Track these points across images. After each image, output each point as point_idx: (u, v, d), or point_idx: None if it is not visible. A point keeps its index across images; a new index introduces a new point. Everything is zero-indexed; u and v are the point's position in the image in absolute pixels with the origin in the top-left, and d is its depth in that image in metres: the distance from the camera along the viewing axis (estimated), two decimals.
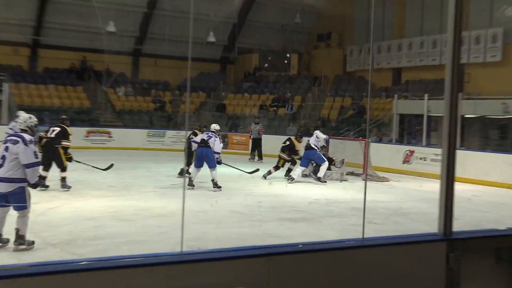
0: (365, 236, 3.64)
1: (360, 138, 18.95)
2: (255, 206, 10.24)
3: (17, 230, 6.69)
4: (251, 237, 7.65)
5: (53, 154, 11.14)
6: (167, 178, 13.86)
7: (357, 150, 15.98)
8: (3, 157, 6.64)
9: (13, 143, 6.70)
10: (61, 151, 11.22)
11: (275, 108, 26.51)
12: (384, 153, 17.98)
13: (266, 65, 31.00)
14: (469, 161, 15.26)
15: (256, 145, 20.09)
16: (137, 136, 23.10)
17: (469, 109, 18.11)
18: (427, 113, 19.13)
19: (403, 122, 21.36)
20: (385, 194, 12.58)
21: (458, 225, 8.48)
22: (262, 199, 11.08)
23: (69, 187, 11.12)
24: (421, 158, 16.92)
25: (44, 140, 11.28)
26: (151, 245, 6.97)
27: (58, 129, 11.36)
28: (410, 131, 21.35)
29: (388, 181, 15.07)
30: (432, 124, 20.29)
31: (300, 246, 3.24)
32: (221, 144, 12.63)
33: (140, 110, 26.36)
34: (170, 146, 22.77)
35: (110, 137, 22.72)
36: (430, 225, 8.74)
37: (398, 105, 20.65)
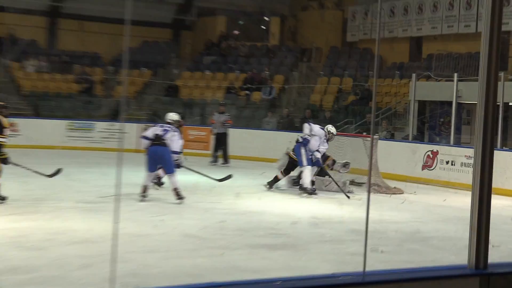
0: (368, 270, 3.63)
1: (364, 133, 19.07)
2: (217, 227, 10.20)
3: None
4: (211, 270, 7.60)
5: None
6: (95, 188, 13.69)
7: (360, 150, 16.00)
8: None
9: None
10: None
11: (247, 92, 26.56)
12: (397, 154, 18.10)
13: (236, 32, 31.03)
14: None
15: (220, 142, 20.06)
16: (53, 129, 22.94)
17: None
18: (456, 100, 19.31)
19: (424, 112, 21.56)
20: (397, 212, 12.64)
21: (497, 255, 8.48)
22: (226, 217, 11.05)
23: (4, 199, 11.25)
24: (447, 162, 17.08)
25: None
26: (70, 284, 6.89)
27: None
28: (433, 124, 21.55)
29: (402, 193, 15.15)
30: (464, 114, 20.50)
31: (279, 283, 3.23)
32: (182, 141, 12.78)
33: (58, 93, 26.19)
34: (101, 143, 22.61)
35: (14, 131, 22.47)
36: (458, 255, 8.82)
37: (417, 88, 20.81)
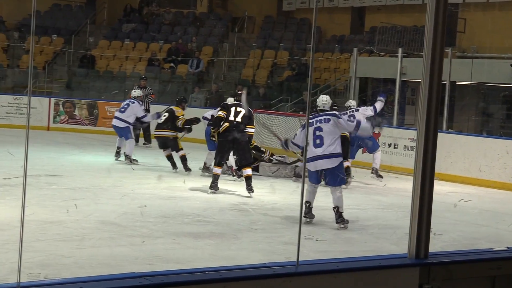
0: (301, 259, 3.71)
1: (301, 112, 19.24)
2: (137, 214, 10.21)
3: None
4: (130, 260, 7.63)
5: None
6: (1, 170, 13.53)
7: (295, 130, 16.17)
8: None
9: None
10: None
11: (172, 64, 26.45)
12: None
13: None
14: (458, 150, 15.83)
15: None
16: None
17: (462, 73, 18.74)
18: (400, 77, 19.60)
19: (366, 89, 21.86)
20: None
21: (439, 244, 8.78)
22: (147, 203, 11.06)
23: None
24: (389, 145, 17.38)
25: None
26: None
27: None
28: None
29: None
30: (408, 94, 20.84)
31: (206, 273, 3.29)
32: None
33: None
34: (5, 119, 22.25)
35: None
36: (398, 244, 9.07)
37: (358, 64, 21.02)
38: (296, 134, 11.00)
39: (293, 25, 28.88)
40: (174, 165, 15.08)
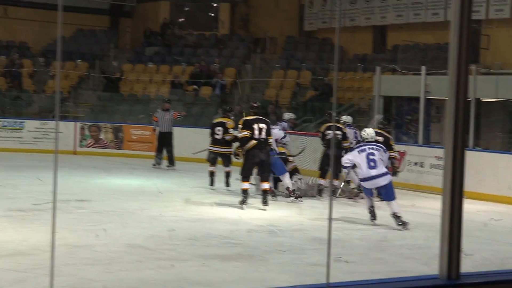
0: (331, 281, 3.72)
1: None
2: (165, 237, 10.24)
3: None
4: (159, 283, 7.67)
5: None
6: (27, 194, 13.67)
7: (320, 150, 16.16)
8: None
9: None
10: None
11: (195, 86, 26.54)
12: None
13: (181, 19, 30.98)
14: (486, 168, 15.71)
15: (165, 142, 19.98)
16: None
17: (487, 90, 18.61)
18: (424, 95, 19.57)
19: (389, 108, 21.81)
20: (362, 218, 12.74)
21: (469, 264, 8.74)
22: (175, 226, 11.10)
23: None
24: (416, 164, 17.30)
25: None
26: None
27: None
28: (399, 122, 21.80)
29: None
30: (433, 111, 20.75)
31: None
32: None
33: None
34: (32, 144, 22.43)
35: None
36: (429, 264, 9.01)
37: (381, 82, 21.03)
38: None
39: (315, 45, 28.92)
40: (212, 182, 15.26)
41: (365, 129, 13.25)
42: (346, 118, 16.55)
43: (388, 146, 14.86)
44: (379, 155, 12.24)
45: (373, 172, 11.99)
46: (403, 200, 15.07)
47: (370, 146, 12.36)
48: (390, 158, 15.14)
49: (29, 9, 28.40)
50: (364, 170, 12.10)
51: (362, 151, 12.29)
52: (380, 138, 15.37)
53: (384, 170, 12.19)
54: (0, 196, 13.45)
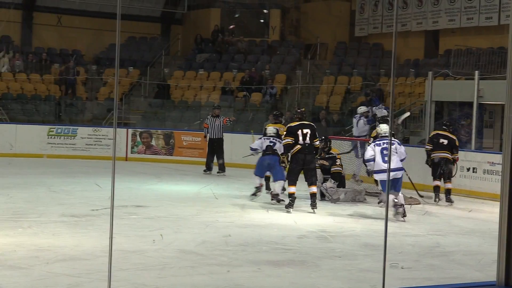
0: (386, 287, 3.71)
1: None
2: (219, 243, 10.27)
3: None
4: None
5: None
6: (81, 200, 13.83)
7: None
8: None
9: None
10: None
11: (245, 92, 26.60)
12: (413, 161, 18.13)
13: (231, 26, 31.09)
14: None
15: (215, 149, 20.02)
16: (31, 135, 23.00)
17: None
18: (477, 100, 19.39)
19: (442, 113, 21.63)
20: (414, 224, 12.72)
21: None
22: (227, 231, 11.12)
23: None
24: (469, 169, 17.16)
25: None
26: None
27: None
28: (452, 127, 21.60)
29: (419, 203, 15.26)
30: (486, 116, 20.53)
31: None
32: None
33: (35, 95, 26.15)
34: (84, 151, 22.71)
35: None
36: (484, 271, 8.91)
37: (433, 87, 20.89)
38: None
39: (366, 50, 28.81)
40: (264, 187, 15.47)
41: (380, 125, 13.97)
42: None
43: (454, 147, 15.60)
44: (393, 149, 13.19)
45: (387, 165, 12.74)
46: (458, 206, 14.98)
47: (385, 141, 13.24)
48: (453, 160, 15.64)
49: (82, 18, 28.72)
50: (379, 162, 13.04)
51: (378, 145, 13.24)
52: (445, 141, 15.52)
53: (399, 164, 13.13)
54: (55, 202, 13.62)
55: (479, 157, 17.19)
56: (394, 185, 12.84)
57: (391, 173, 12.78)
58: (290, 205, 13.43)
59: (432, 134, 16.55)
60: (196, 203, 14.26)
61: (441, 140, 15.80)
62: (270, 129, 15.10)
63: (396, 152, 13.18)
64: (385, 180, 12.67)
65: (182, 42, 31.86)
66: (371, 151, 13.21)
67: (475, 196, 16.38)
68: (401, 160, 13.30)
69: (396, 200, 12.65)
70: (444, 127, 16.23)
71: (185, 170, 20.63)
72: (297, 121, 13.98)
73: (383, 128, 13.62)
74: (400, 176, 13.10)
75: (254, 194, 14.83)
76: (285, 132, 13.94)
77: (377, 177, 13.23)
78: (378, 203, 14.57)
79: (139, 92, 27.79)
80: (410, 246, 10.63)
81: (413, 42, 26.73)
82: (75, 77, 26.78)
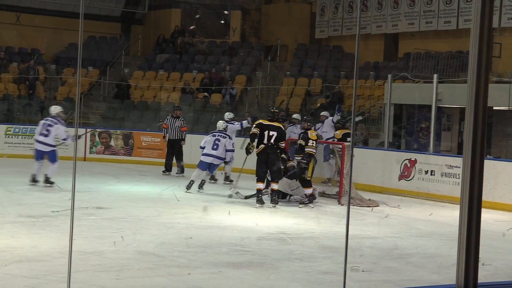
0: None
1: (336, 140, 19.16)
2: (178, 244, 10.22)
3: None
4: None
5: None
6: (39, 200, 13.72)
7: (330, 159, 16.18)
8: None
9: None
10: None
11: (206, 94, 26.56)
12: (372, 163, 18.26)
13: (192, 27, 31.04)
14: (498, 176, 15.67)
15: (175, 150, 19.94)
16: None
17: (500, 98, 18.58)
18: (436, 103, 19.51)
19: (401, 116, 21.78)
20: (373, 226, 12.77)
21: (487, 274, 8.64)
22: (186, 233, 11.08)
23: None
24: (426, 172, 17.27)
25: None
26: None
27: None
28: (410, 130, 21.77)
29: (378, 205, 15.34)
30: (444, 120, 20.72)
31: None
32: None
33: None
34: None
35: None
36: (442, 274, 8.97)
37: (393, 90, 20.96)
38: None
39: (326, 52, 28.94)
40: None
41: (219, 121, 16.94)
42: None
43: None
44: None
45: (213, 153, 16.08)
46: (416, 208, 15.07)
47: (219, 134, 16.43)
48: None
49: (41, 16, 28.49)
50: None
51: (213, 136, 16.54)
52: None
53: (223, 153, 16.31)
54: (11, 202, 13.51)
55: (437, 160, 17.29)
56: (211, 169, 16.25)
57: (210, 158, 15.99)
58: (260, 201, 14.22)
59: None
60: (157, 204, 14.22)
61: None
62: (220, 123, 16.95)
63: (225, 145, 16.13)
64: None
65: (142, 42, 31.74)
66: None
67: (433, 198, 16.48)
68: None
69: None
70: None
71: (144, 170, 20.54)
72: (268, 120, 14.47)
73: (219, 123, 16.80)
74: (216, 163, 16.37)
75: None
76: (254, 125, 14.59)
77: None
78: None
79: (99, 92, 27.60)
80: (369, 248, 10.66)
81: (373, 45, 26.90)
82: (38, 76, 26.49)
